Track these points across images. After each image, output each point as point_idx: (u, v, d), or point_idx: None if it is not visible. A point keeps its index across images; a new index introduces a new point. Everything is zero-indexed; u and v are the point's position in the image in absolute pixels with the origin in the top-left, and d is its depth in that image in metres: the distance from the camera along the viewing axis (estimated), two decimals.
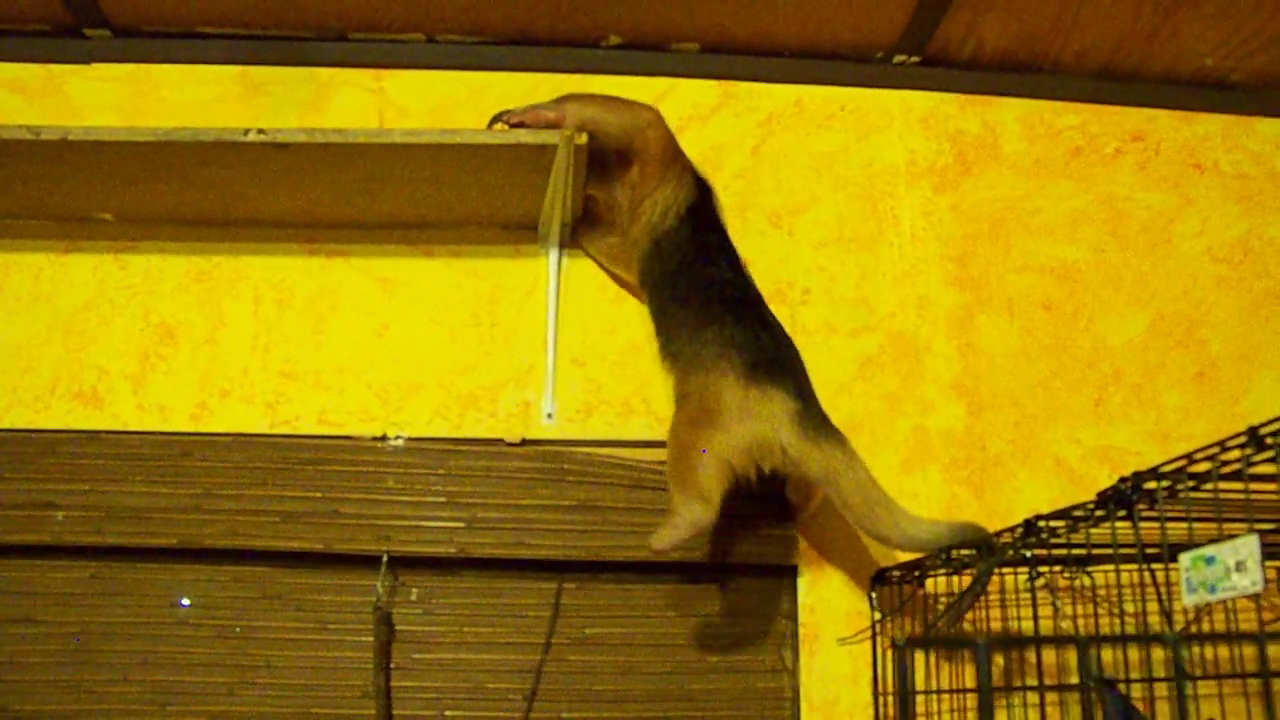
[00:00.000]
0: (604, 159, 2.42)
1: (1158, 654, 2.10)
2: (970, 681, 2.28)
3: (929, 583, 2.35)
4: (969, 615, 2.33)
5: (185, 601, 2.44)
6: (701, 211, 2.40)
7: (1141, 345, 2.68)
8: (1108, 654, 2.09)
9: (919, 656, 2.30)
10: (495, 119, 2.38)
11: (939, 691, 2.31)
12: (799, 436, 2.16)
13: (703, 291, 2.31)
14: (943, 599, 2.37)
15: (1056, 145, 2.81)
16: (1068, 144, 2.81)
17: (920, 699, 2.29)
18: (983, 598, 2.31)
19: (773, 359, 2.23)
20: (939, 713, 2.33)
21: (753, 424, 2.16)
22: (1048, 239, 2.74)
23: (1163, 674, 2.06)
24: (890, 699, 2.31)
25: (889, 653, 2.36)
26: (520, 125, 2.33)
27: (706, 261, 2.35)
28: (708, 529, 2.17)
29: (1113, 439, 2.61)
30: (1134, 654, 2.17)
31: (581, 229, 2.60)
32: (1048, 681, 2.25)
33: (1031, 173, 2.78)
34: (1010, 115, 2.82)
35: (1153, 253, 2.75)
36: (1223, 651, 2.28)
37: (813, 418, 2.19)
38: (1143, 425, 2.62)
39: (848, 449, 2.19)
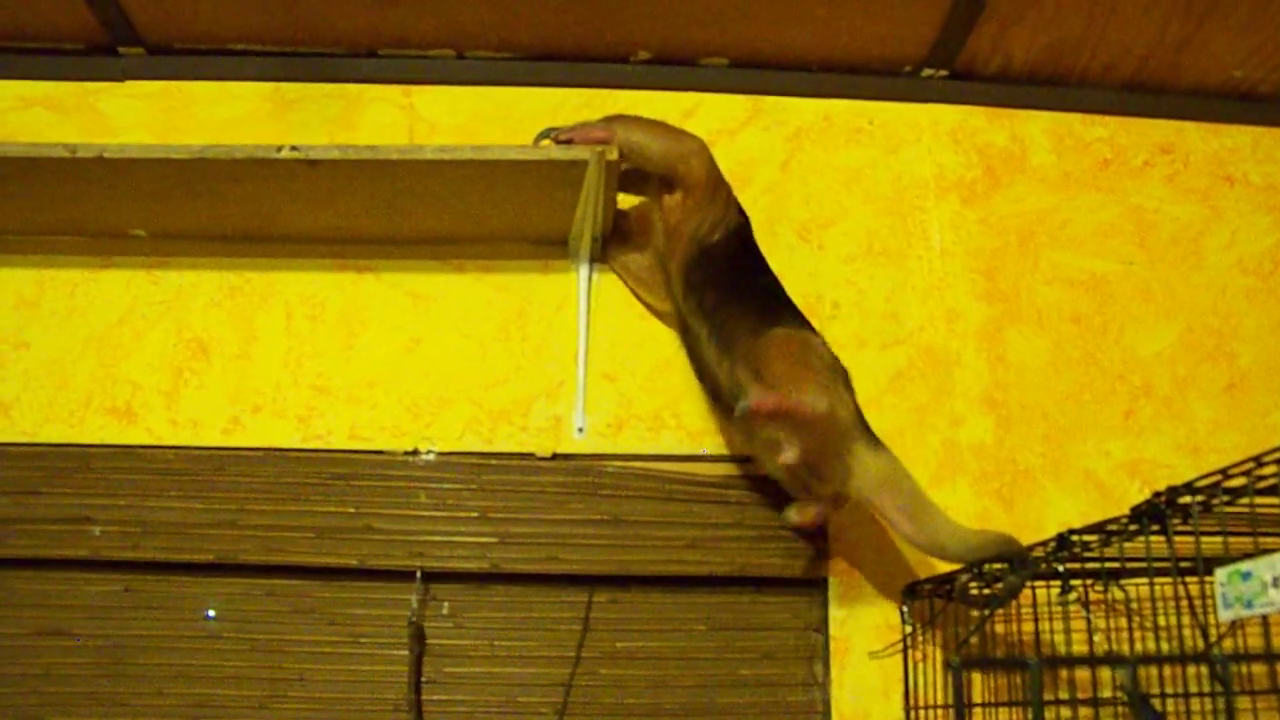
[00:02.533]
0: (641, 181, 2.43)
1: (1192, 669, 2.09)
2: (999, 696, 2.28)
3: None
4: (1003, 630, 2.33)
5: (211, 613, 2.45)
6: (747, 236, 2.41)
7: (1171, 358, 2.67)
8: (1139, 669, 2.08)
9: (947, 675, 2.30)
10: (543, 135, 2.38)
11: (981, 704, 2.31)
12: (855, 439, 2.14)
13: (759, 294, 2.32)
14: (974, 613, 2.37)
15: (1085, 158, 2.81)
16: (1096, 156, 2.81)
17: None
18: (1015, 612, 2.30)
19: (835, 361, 2.24)
20: None
21: (834, 393, 2.13)
22: (1077, 252, 2.74)
23: (1196, 689, 2.05)
24: (920, 713, 2.32)
25: (919, 666, 2.36)
26: (568, 142, 2.33)
27: (757, 271, 2.36)
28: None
29: (1143, 452, 2.60)
30: (1167, 669, 2.16)
31: (611, 247, 2.60)
32: (1080, 696, 2.24)
33: (1060, 185, 2.78)
34: (1038, 128, 2.82)
35: (1182, 265, 2.75)
36: (1257, 668, 2.27)
37: (862, 423, 2.19)
38: (1173, 438, 2.61)
39: (890, 455, 2.18)
